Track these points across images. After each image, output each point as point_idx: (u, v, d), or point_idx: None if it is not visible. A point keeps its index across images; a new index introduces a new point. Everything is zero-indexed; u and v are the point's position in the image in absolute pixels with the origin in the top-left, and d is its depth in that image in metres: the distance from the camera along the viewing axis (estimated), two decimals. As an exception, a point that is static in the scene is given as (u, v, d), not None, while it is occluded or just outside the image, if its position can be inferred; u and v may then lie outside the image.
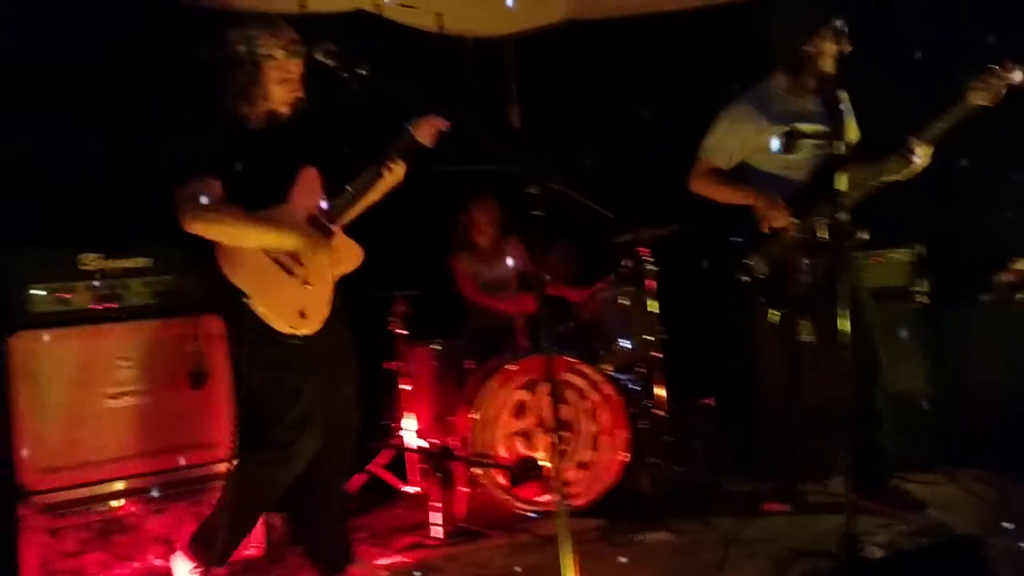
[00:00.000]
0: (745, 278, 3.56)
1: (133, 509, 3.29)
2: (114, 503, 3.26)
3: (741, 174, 3.70)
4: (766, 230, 3.51)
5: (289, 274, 2.91)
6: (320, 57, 2.80)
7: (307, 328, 2.90)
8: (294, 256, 2.93)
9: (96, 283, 3.34)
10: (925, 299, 4.22)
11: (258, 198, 2.88)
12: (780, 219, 3.47)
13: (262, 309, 2.85)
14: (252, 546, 3.47)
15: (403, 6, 5.10)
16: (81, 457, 3.25)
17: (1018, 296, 4.07)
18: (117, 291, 3.38)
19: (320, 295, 2.96)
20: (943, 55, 4.08)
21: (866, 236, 3.46)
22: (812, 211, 3.42)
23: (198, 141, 2.89)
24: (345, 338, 3.12)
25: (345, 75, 2.81)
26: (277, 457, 2.92)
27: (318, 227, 2.99)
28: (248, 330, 2.85)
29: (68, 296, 3.29)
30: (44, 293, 3.25)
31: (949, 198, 4.35)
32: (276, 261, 2.90)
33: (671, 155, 3.85)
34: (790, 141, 3.53)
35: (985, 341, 4.10)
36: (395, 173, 3.05)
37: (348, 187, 3.02)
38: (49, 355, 3.22)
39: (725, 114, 3.66)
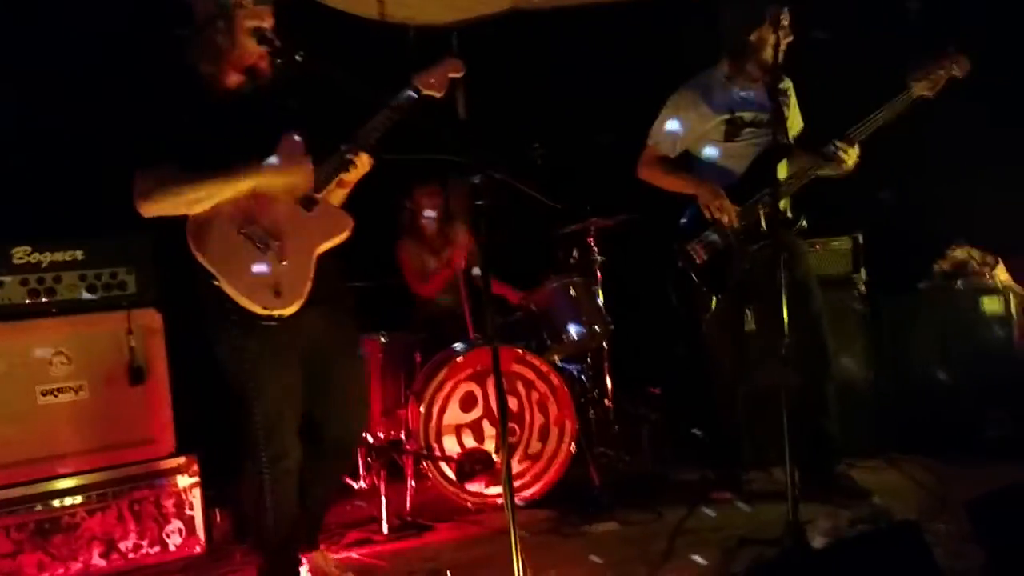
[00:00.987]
0: (684, 264, 3.58)
1: (71, 508, 3.20)
2: (52, 502, 3.17)
3: (685, 162, 3.72)
4: (709, 218, 3.53)
5: (262, 250, 2.69)
6: (255, 42, 2.73)
7: (284, 308, 2.68)
8: (266, 229, 2.71)
9: (28, 277, 3.24)
10: (864, 287, 4.28)
11: (228, 164, 2.69)
12: (721, 209, 3.49)
13: (231, 290, 2.65)
14: (196, 545, 3.41)
15: (344, -9, 5.02)
16: (15, 455, 3.17)
17: (956, 284, 4.14)
18: (50, 285, 3.29)
19: (298, 271, 2.71)
20: (887, 43, 4.16)
21: (805, 224, 3.52)
22: (753, 198, 3.47)
23: (160, 118, 2.75)
24: (344, 314, 2.97)
25: (280, 62, 2.74)
26: (270, 468, 2.76)
27: (299, 197, 2.78)
28: (226, 314, 2.67)
29: (-1, 291, 3.19)
30: (-27, 288, 3.15)
31: (887, 186, 4.43)
32: (248, 237, 2.69)
33: (618, 145, 3.85)
34: (731, 129, 3.57)
35: (924, 328, 4.18)
36: (362, 162, 2.84)
37: (334, 156, 2.82)
38: (-22, 351, 3.12)
39: (670, 102, 3.68)
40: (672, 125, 3.65)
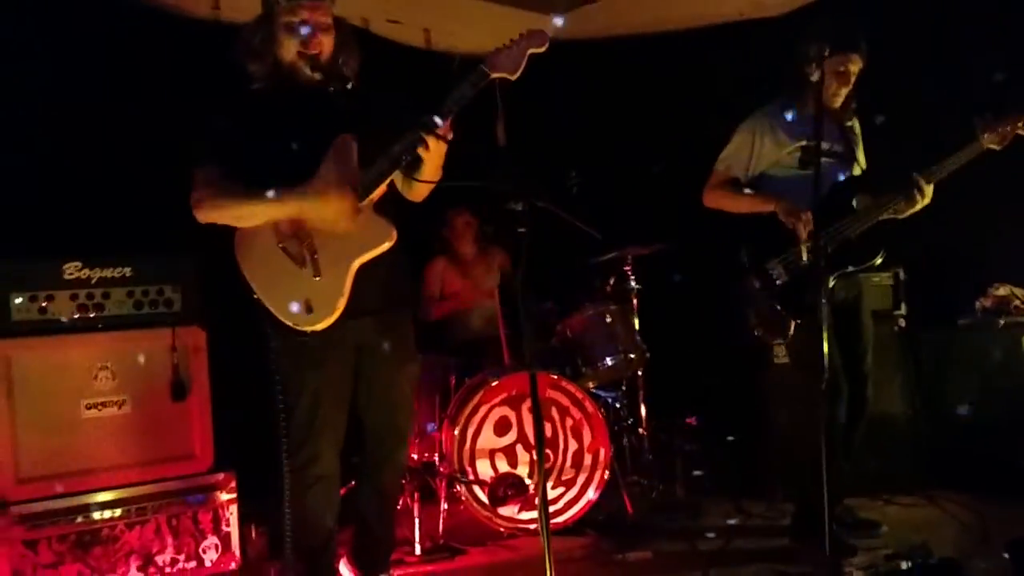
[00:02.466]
0: (761, 284, 3.49)
1: (111, 521, 3.25)
2: (93, 515, 3.21)
3: (755, 186, 3.64)
4: (792, 230, 3.42)
5: (300, 266, 2.70)
6: (307, 71, 2.75)
7: (315, 323, 2.68)
8: (304, 242, 2.70)
9: (77, 292, 3.32)
10: (905, 323, 4.25)
11: (279, 169, 2.67)
12: (804, 224, 3.39)
13: (268, 302, 2.70)
14: (232, 561, 3.44)
15: (390, 21, 5.12)
16: (59, 468, 3.20)
17: (997, 321, 4.10)
18: (98, 300, 3.36)
19: (332, 287, 2.68)
20: (953, 92, 4.14)
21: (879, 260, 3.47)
22: (833, 224, 3.41)
23: (203, 127, 2.76)
24: (398, 328, 2.93)
25: (332, 89, 2.77)
26: (298, 475, 2.82)
27: None
28: (266, 324, 2.72)
29: (49, 305, 3.26)
30: (25, 301, 3.22)
31: (930, 222, 4.39)
32: (285, 251, 2.70)
33: (657, 175, 3.87)
34: (806, 156, 3.53)
35: (964, 365, 4.13)
36: (441, 139, 2.70)
37: (386, 155, 2.71)
38: (29, 364, 3.19)
39: (745, 126, 3.62)
40: (747, 150, 3.59)
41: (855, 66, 3.45)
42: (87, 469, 3.26)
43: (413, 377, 3.06)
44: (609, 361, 4.14)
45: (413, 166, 2.77)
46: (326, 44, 2.79)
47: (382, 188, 2.75)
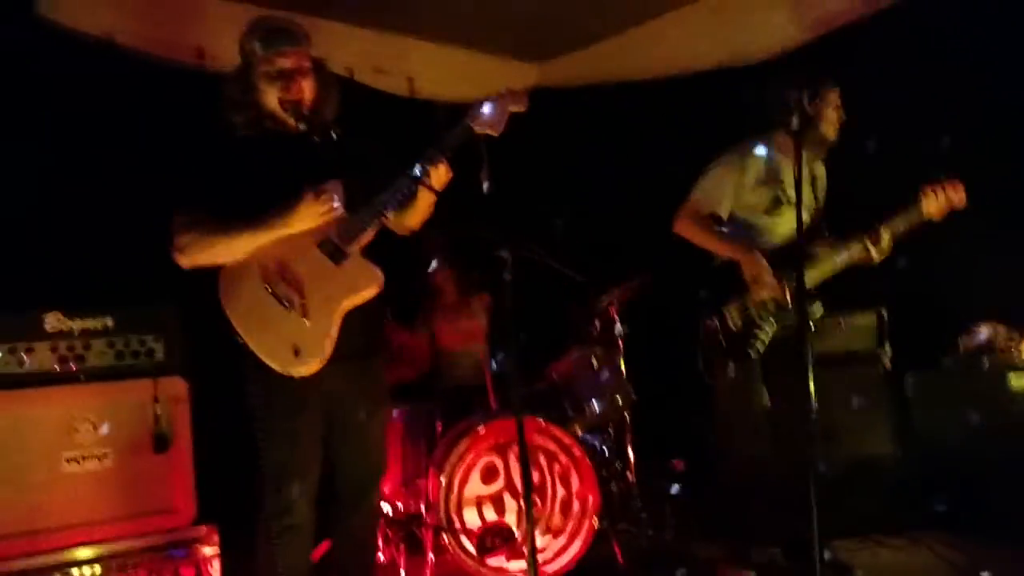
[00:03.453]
0: (717, 324, 3.55)
1: (92, 578, 3.19)
2: (73, 571, 3.15)
3: (722, 223, 3.68)
4: (750, 288, 3.50)
5: (286, 308, 2.68)
6: (292, 120, 2.76)
7: (303, 368, 2.67)
8: (295, 286, 2.70)
9: (58, 343, 3.28)
10: (888, 363, 4.26)
11: (261, 210, 2.69)
12: (764, 285, 3.47)
13: (254, 346, 2.68)
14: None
15: (375, 71, 5.17)
16: (37, 523, 3.15)
17: (982, 360, 4.12)
18: (79, 352, 3.33)
19: (320, 330, 2.67)
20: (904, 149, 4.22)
21: (820, 311, 3.51)
22: (783, 274, 3.47)
23: (190, 167, 2.78)
24: (370, 375, 2.91)
25: (317, 139, 2.75)
26: (265, 514, 2.78)
27: (329, 250, 2.73)
28: (249, 367, 2.71)
29: (29, 356, 3.23)
30: (4, 353, 3.19)
31: (912, 263, 4.43)
32: (273, 294, 2.69)
33: (639, 219, 3.89)
34: (773, 205, 3.60)
35: (949, 405, 4.14)
36: (438, 176, 2.75)
37: (377, 198, 2.73)
38: (7, 416, 3.15)
39: (724, 160, 3.65)
40: (725, 186, 3.62)
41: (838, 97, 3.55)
42: (67, 524, 3.20)
43: (386, 422, 3.04)
44: (596, 406, 4.12)
45: (403, 208, 2.82)
46: (307, 89, 2.79)
47: (368, 235, 2.75)
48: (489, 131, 2.71)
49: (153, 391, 3.39)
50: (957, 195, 3.38)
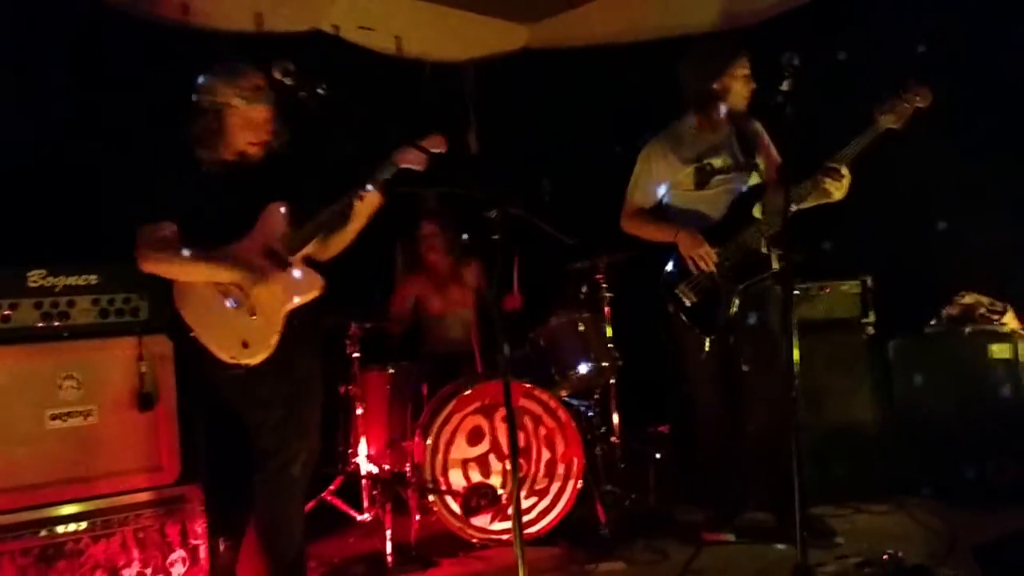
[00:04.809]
0: (673, 307, 3.66)
1: (76, 534, 3.18)
2: (57, 528, 3.15)
3: (662, 214, 3.79)
4: (691, 268, 3.60)
5: (235, 307, 2.96)
6: (278, 76, 2.75)
7: (250, 358, 2.94)
8: (241, 287, 2.96)
9: (42, 300, 3.25)
10: (872, 331, 4.28)
11: (217, 235, 2.97)
12: (700, 256, 3.56)
13: (205, 340, 2.96)
14: (200, 574, 3.38)
15: (362, 28, 5.10)
16: (21, 479, 3.14)
17: (963, 329, 4.14)
18: (63, 309, 3.30)
19: (267, 325, 2.96)
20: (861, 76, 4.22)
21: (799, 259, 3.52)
22: (732, 240, 3.55)
23: (160, 186, 3.02)
24: (310, 363, 3.13)
25: (303, 95, 2.77)
26: (269, 471, 3.00)
27: (273, 259, 3.00)
28: (203, 362, 2.98)
29: (12, 313, 3.20)
30: (-13, 309, 3.16)
31: (896, 230, 4.45)
32: (223, 293, 2.96)
33: (626, 183, 3.88)
34: (701, 178, 3.66)
35: (932, 373, 4.17)
36: (367, 203, 3.07)
37: (318, 216, 3.04)
38: (-9, 373, 3.12)
39: (641, 156, 3.78)
40: (645, 178, 3.76)
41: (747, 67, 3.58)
42: (51, 480, 3.20)
43: (318, 406, 3.20)
44: (582, 369, 4.14)
45: (338, 224, 3.13)
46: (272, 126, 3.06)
47: (310, 247, 3.07)
48: (413, 166, 2.99)
49: (138, 349, 3.37)
50: (920, 98, 3.30)
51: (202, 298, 2.98)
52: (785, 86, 3.05)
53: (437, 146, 2.98)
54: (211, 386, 3.05)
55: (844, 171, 3.38)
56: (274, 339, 2.96)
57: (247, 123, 2.99)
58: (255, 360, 2.95)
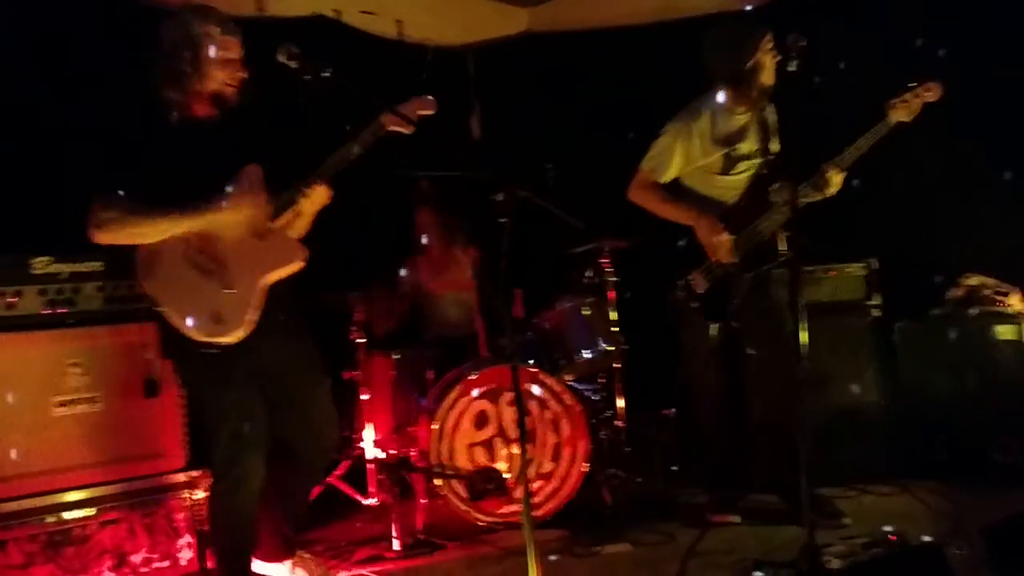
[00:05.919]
0: (683, 293, 3.64)
1: (83, 521, 3.19)
2: (64, 514, 3.15)
3: (675, 190, 3.74)
4: (708, 255, 3.58)
5: (208, 278, 2.77)
6: (283, 59, 2.72)
7: (225, 335, 2.74)
8: (214, 257, 2.79)
9: (47, 287, 3.25)
10: (878, 313, 4.28)
11: (188, 195, 2.75)
12: (721, 245, 3.53)
13: (174, 316, 2.75)
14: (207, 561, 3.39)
15: (363, 12, 5.07)
16: (29, 466, 3.15)
17: (969, 311, 4.14)
18: (68, 296, 3.29)
19: (241, 299, 2.77)
20: (869, 73, 4.20)
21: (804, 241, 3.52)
22: (748, 228, 3.55)
23: (119, 149, 2.85)
24: (300, 337, 3.01)
25: (308, 78, 2.74)
26: (225, 485, 2.88)
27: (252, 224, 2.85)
28: (172, 342, 2.79)
29: (17, 300, 3.19)
30: (-8, 297, 3.15)
31: (903, 214, 4.44)
32: (194, 264, 2.78)
33: (629, 166, 3.86)
34: (728, 163, 3.63)
35: (937, 355, 4.17)
36: (314, 198, 2.91)
37: (288, 191, 2.88)
38: (-3, 360, 3.12)
39: (671, 129, 3.69)
40: (671, 154, 3.66)
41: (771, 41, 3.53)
42: (58, 467, 3.21)
43: (325, 383, 3.10)
44: (587, 354, 4.14)
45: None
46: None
47: (289, 214, 2.90)
48: (402, 129, 2.84)
49: (143, 336, 3.36)
50: (931, 92, 3.33)
51: (170, 268, 2.76)
52: (792, 67, 3.04)
53: (426, 108, 2.87)
54: (183, 366, 2.91)
55: (838, 177, 3.41)
56: (249, 315, 2.76)
57: (223, 58, 2.83)
58: (230, 338, 2.75)
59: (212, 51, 2.82)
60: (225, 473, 2.86)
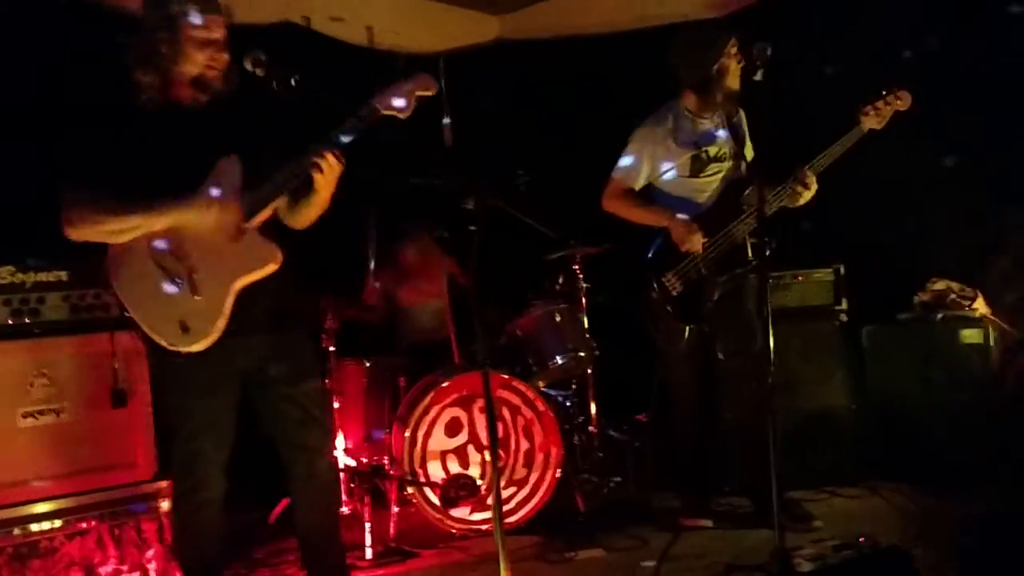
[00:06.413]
0: (658, 295, 3.66)
1: (50, 532, 3.14)
2: (31, 526, 3.11)
3: (648, 195, 3.79)
4: (682, 251, 3.60)
5: (176, 284, 2.64)
6: (249, 67, 2.67)
7: (192, 344, 2.63)
8: (182, 259, 2.65)
9: (11, 297, 3.20)
10: (846, 317, 4.32)
11: (159, 187, 2.62)
12: (695, 244, 3.57)
13: (140, 320, 2.64)
14: (175, 572, 3.35)
15: (333, 19, 5.06)
16: (-6, 478, 3.10)
17: (935, 316, 4.19)
18: (33, 306, 3.25)
19: (211, 307, 2.64)
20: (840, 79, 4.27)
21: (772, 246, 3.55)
22: (721, 231, 3.58)
23: (88, 137, 2.69)
24: (288, 348, 2.83)
25: (275, 85, 2.69)
26: (182, 489, 2.81)
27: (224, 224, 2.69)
28: (146, 342, 2.68)
29: (-20, 311, 3.15)
30: (-45, 307, 3.11)
31: (870, 218, 4.49)
32: (162, 268, 2.65)
33: (600, 174, 3.88)
34: (697, 165, 3.67)
35: (904, 359, 4.21)
36: (328, 168, 2.66)
37: (272, 179, 2.68)
38: (-40, 371, 3.08)
39: (637, 136, 3.75)
40: (640, 160, 3.73)
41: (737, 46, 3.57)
42: (24, 479, 3.16)
43: (315, 394, 2.92)
44: (559, 360, 4.14)
45: (303, 193, 2.76)
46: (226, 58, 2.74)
47: (266, 212, 2.72)
48: (396, 113, 2.66)
49: (110, 345, 3.32)
50: (901, 101, 3.40)
51: (137, 271, 2.64)
52: (758, 76, 3.08)
53: (426, 88, 2.68)
54: (151, 371, 2.81)
55: (812, 183, 3.45)
56: (220, 323, 2.63)
57: (204, 39, 2.65)
58: (196, 347, 2.62)
59: (191, 31, 2.64)
60: (182, 479, 2.79)
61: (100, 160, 2.64)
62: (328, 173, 2.67)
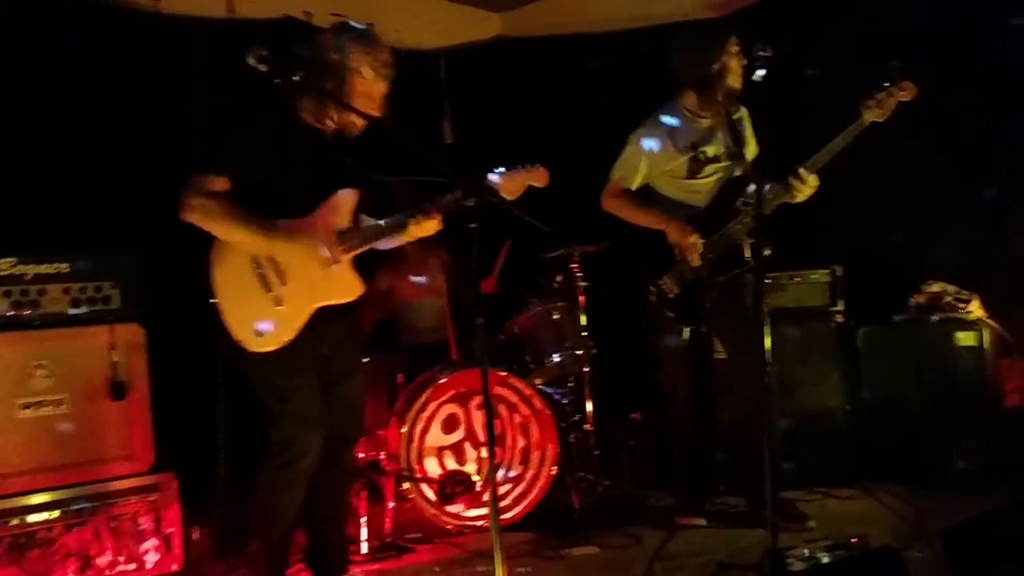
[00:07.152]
0: (654, 297, 3.67)
1: (48, 523, 3.15)
2: (28, 517, 3.12)
3: (646, 196, 3.79)
4: (678, 256, 3.61)
5: (266, 290, 2.84)
6: (252, 62, 2.69)
7: (259, 347, 2.83)
8: (279, 272, 2.85)
9: (11, 289, 3.21)
10: (842, 319, 4.34)
11: (281, 203, 2.83)
12: (691, 247, 3.57)
13: (224, 311, 2.83)
14: (173, 563, 3.37)
15: (334, 15, 5.05)
16: (-7, 469, 3.11)
17: (930, 318, 4.21)
18: (33, 297, 3.26)
19: (289, 319, 2.83)
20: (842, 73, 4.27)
21: (768, 251, 3.56)
22: (718, 232, 3.58)
23: (241, 135, 2.87)
24: (352, 339, 3.07)
25: (278, 81, 2.73)
26: (280, 460, 2.90)
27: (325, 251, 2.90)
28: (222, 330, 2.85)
29: (-20, 302, 3.16)
30: (-45, 298, 3.12)
31: (866, 221, 4.51)
32: (259, 273, 2.84)
33: (600, 172, 3.89)
34: (694, 166, 3.66)
35: (899, 361, 4.23)
36: (424, 227, 2.93)
37: (379, 223, 2.94)
38: (-40, 362, 3.08)
39: (635, 137, 3.74)
40: (638, 161, 3.71)
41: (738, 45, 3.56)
42: (22, 470, 3.17)
43: (361, 389, 3.17)
44: (556, 358, 4.16)
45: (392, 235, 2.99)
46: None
47: (363, 249, 2.92)
48: (509, 196, 2.88)
49: (110, 338, 3.34)
50: (905, 92, 3.34)
51: (237, 269, 2.84)
52: (758, 76, 3.09)
53: (539, 180, 2.91)
54: (231, 358, 2.92)
55: (812, 179, 3.42)
56: (289, 336, 2.83)
57: (367, 95, 2.85)
58: (262, 349, 2.82)
59: (360, 86, 2.84)
60: (281, 451, 2.89)
61: (242, 161, 2.82)
62: (426, 229, 2.93)
